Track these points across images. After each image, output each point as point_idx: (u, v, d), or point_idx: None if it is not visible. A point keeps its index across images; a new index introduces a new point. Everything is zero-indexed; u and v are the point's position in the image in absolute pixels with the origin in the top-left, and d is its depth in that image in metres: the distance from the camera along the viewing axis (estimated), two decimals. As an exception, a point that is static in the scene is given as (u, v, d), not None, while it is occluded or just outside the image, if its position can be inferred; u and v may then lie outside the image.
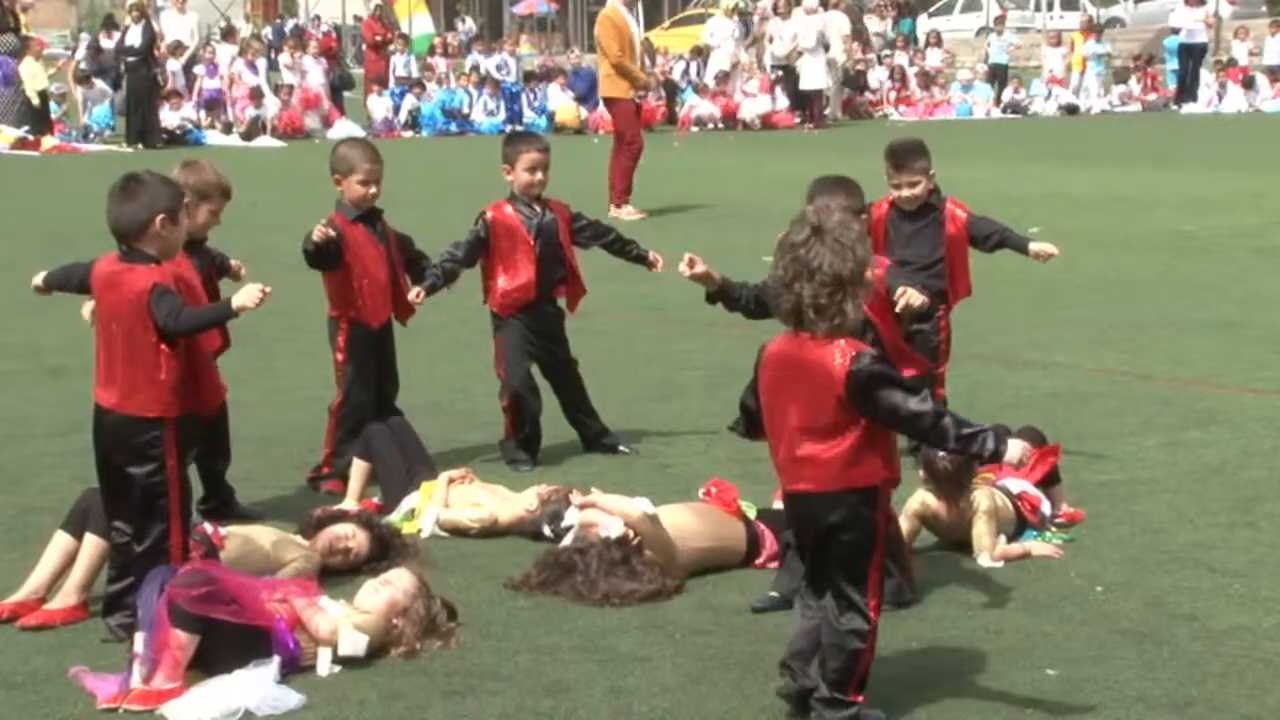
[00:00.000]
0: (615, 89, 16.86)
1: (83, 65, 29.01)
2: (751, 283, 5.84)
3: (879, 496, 4.58)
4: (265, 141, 26.98)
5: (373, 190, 7.22)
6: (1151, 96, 33.56)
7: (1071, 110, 32.75)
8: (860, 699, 4.63)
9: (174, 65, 28.05)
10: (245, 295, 5.42)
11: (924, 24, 40.21)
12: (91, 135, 26.74)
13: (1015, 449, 4.60)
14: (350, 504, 6.77)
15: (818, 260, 4.51)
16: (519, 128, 29.37)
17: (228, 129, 27.30)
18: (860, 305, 4.56)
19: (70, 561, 5.65)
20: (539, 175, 7.66)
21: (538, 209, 7.69)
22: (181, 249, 6.38)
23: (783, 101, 29.74)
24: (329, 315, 7.33)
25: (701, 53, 31.69)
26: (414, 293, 7.39)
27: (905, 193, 7.44)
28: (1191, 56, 33.28)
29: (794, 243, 4.56)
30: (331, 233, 7.02)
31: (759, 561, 6.13)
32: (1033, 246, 7.58)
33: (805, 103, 29.37)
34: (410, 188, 17.21)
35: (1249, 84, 32.47)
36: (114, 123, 27.35)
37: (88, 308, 5.81)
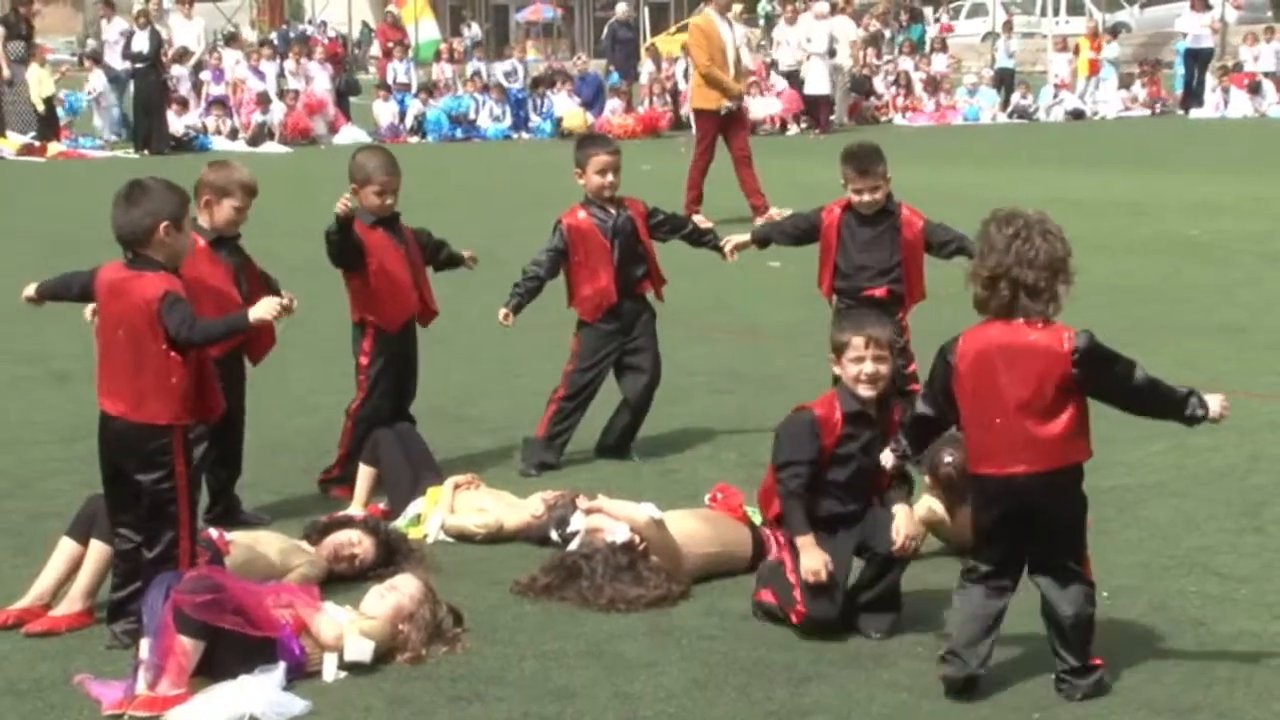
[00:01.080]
0: (705, 100, 16.37)
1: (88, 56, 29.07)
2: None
3: (1082, 472, 4.94)
4: (271, 147, 27.01)
5: (389, 201, 7.26)
6: (1156, 104, 33.54)
7: (1078, 115, 32.73)
8: (1099, 662, 4.95)
9: (180, 71, 28.10)
10: (264, 307, 5.42)
11: (933, 29, 40.18)
12: (101, 141, 26.78)
13: (1215, 404, 4.96)
14: (356, 510, 6.78)
15: (1032, 250, 4.81)
16: (525, 134, 29.51)
17: (234, 134, 27.34)
18: (1069, 290, 4.89)
19: (76, 568, 5.66)
20: (610, 177, 7.71)
21: (612, 210, 7.76)
22: (209, 245, 6.44)
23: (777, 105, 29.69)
24: (353, 321, 7.34)
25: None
26: (502, 314, 7.55)
27: (866, 198, 7.45)
28: (1197, 62, 33.27)
29: (1006, 236, 4.83)
30: (351, 204, 7.02)
31: (764, 567, 6.12)
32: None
33: (811, 109, 29.36)
34: (416, 193, 17.18)
35: (1255, 89, 32.43)
36: (120, 130, 27.37)
37: (89, 308, 5.81)
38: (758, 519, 6.28)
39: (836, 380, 5.60)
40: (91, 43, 31.34)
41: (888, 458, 5.31)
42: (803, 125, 29.57)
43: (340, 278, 7.34)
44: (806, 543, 5.36)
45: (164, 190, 5.40)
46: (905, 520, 5.41)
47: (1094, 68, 33.50)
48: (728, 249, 7.94)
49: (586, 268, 7.71)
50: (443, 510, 6.67)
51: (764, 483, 5.70)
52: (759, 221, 15.22)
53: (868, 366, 5.44)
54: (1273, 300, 12.00)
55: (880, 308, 7.30)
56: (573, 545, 6.15)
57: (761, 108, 29.77)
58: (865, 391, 5.44)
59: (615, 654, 5.31)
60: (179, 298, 5.27)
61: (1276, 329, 10.84)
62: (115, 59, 27.15)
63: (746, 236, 7.99)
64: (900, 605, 5.51)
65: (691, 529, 6.13)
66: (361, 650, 5.11)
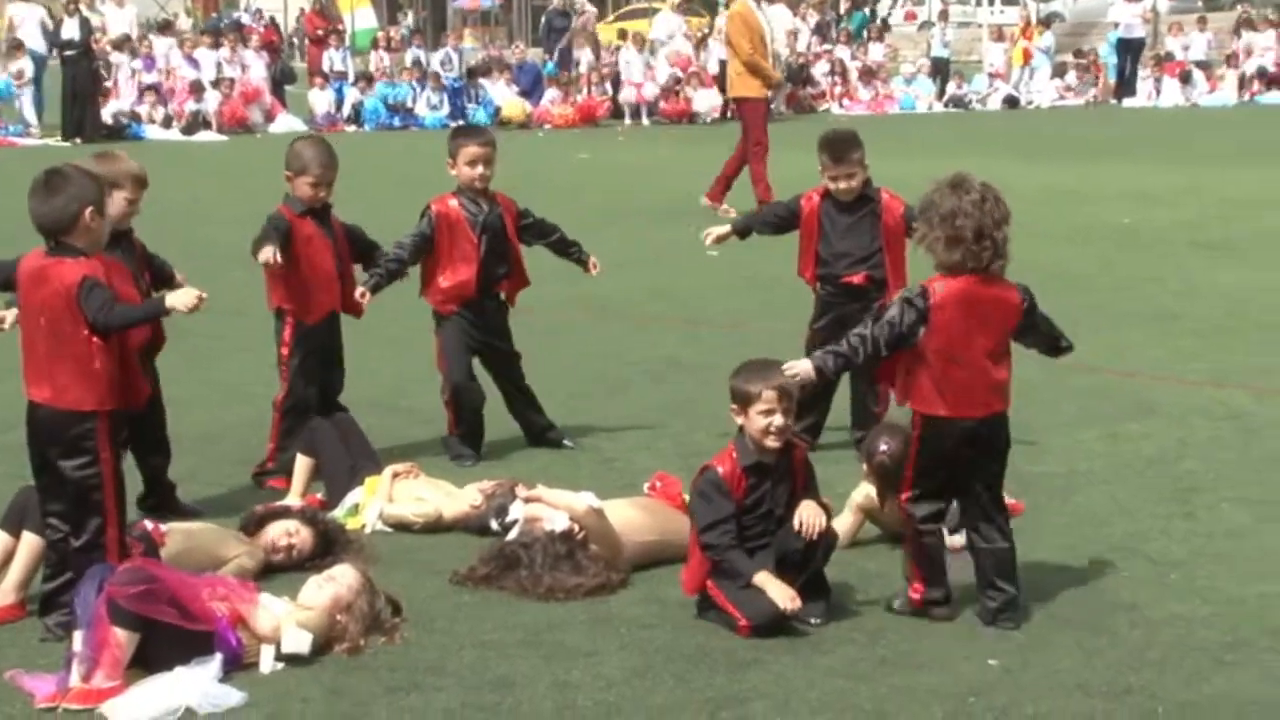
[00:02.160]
0: (747, 88, 16.18)
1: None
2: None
3: None
4: (206, 136, 26.77)
5: (323, 194, 7.20)
6: (1091, 92, 33.85)
7: (1013, 104, 32.97)
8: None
9: (119, 58, 27.77)
10: (181, 297, 5.38)
11: (898, 13, 40.29)
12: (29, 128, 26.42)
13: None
14: (294, 500, 6.74)
15: (1000, 211, 5.30)
16: (463, 122, 29.36)
17: (167, 123, 27.07)
18: None
19: (8, 560, 5.60)
20: (480, 169, 7.59)
21: (483, 204, 7.65)
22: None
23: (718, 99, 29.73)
24: (273, 308, 7.28)
25: (647, 45, 31.61)
26: (359, 292, 7.38)
27: (843, 185, 7.44)
28: (1129, 51, 33.58)
29: (973, 200, 5.25)
30: (277, 259, 6.93)
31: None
32: None
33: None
34: (352, 182, 17.09)
35: (1186, 79, 32.79)
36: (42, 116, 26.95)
37: (11, 313, 5.78)
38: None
39: (740, 431, 5.53)
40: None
41: (804, 365, 5.47)
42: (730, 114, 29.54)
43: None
44: (764, 579, 5.36)
45: (82, 176, 5.35)
46: (808, 511, 5.45)
47: (1027, 56, 33.76)
48: (709, 241, 7.90)
49: (449, 258, 7.58)
50: (381, 500, 6.65)
51: (689, 559, 5.60)
52: (732, 214, 15.20)
53: (777, 420, 5.43)
54: (1203, 288, 12.15)
55: (860, 295, 7.35)
56: (511, 534, 6.15)
57: (704, 100, 29.84)
58: (773, 444, 5.46)
59: (554, 643, 5.32)
60: (97, 282, 5.23)
61: (1205, 317, 10.98)
62: (36, 42, 26.73)
63: (727, 228, 7.90)
64: (829, 590, 5.54)
65: (630, 518, 6.15)
66: (299, 641, 5.09)
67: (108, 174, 6.39)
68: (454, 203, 7.64)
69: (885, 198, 7.49)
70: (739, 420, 5.53)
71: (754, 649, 5.25)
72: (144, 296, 6.18)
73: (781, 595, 5.30)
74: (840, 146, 7.44)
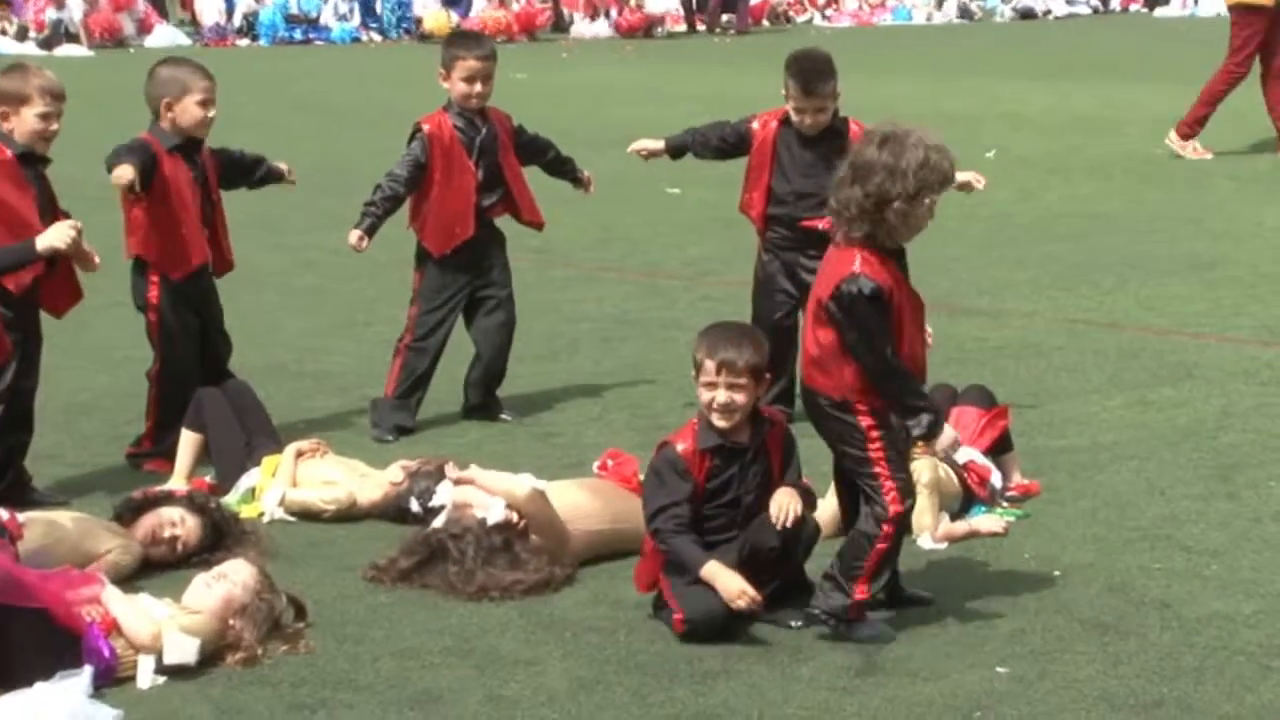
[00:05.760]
0: None
1: None
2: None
3: None
4: (70, 50, 26.57)
5: (213, 113, 7.18)
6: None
7: (1026, 15, 33.07)
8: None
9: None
10: (55, 234, 5.37)
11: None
12: None
13: (947, 437, 5.46)
14: (178, 483, 6.72)
15: (941, 170, 5.37)
16: (374, 36, 29.20)
17: (22, 34, 26.84)
18: None
19: None
20: (478, 86, 7.68)
21: (479, 124, 7.73)
22: (16, 160, 6.37)
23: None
24: (131, 258, 7.21)
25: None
26: (354, 237, 7.51)
27: (810, 120, 7.43)
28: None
29: (916, 160, 5.29)
30: (136, 183, 6.86)
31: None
32: (958, 176, 7.59)
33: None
34: (245, 108, 16.98)
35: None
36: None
37: None
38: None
39: None
40: None
41: None
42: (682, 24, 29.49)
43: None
44: (713, 570, 5.39)
45: None
46: (783, 497, 5.47)
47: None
48: (633, 149, 7.94)
49: (444, 187, 7.67)
50: (282, 483, 6.64)
51: (644, 550, 5.66)
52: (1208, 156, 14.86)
53: (720, 395, 5.47)
54: (1247, 230, 12.23)
55: (818, 241, 7.31)
56: (437, 522, 6.14)
57: (659, 2, 29.79)
58: (719, 422, 5.51)
59: (488, 650, 5.32)
60: None
61: (1251, 264, 11.05)
62: None
63: (659, 142, 7.95)
64: (812, 590, 5.56)
65: (577, 503, 6.15)
66: (184, 650, 5.08)
67: (10, 89, 6.43)
68: (446, 122, 7.69)
69: (855, 129, 7.48)
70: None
71: (723, 657, 5.27)
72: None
73: (730, 588, 5.32)
74: (812, 75, 7.42)
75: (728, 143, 7.75)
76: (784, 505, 5.46)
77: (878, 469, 5.36)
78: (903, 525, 5.44)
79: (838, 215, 5.40)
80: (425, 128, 7.71)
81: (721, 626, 5.36)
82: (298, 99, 20.14)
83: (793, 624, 5.47)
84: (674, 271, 10.97)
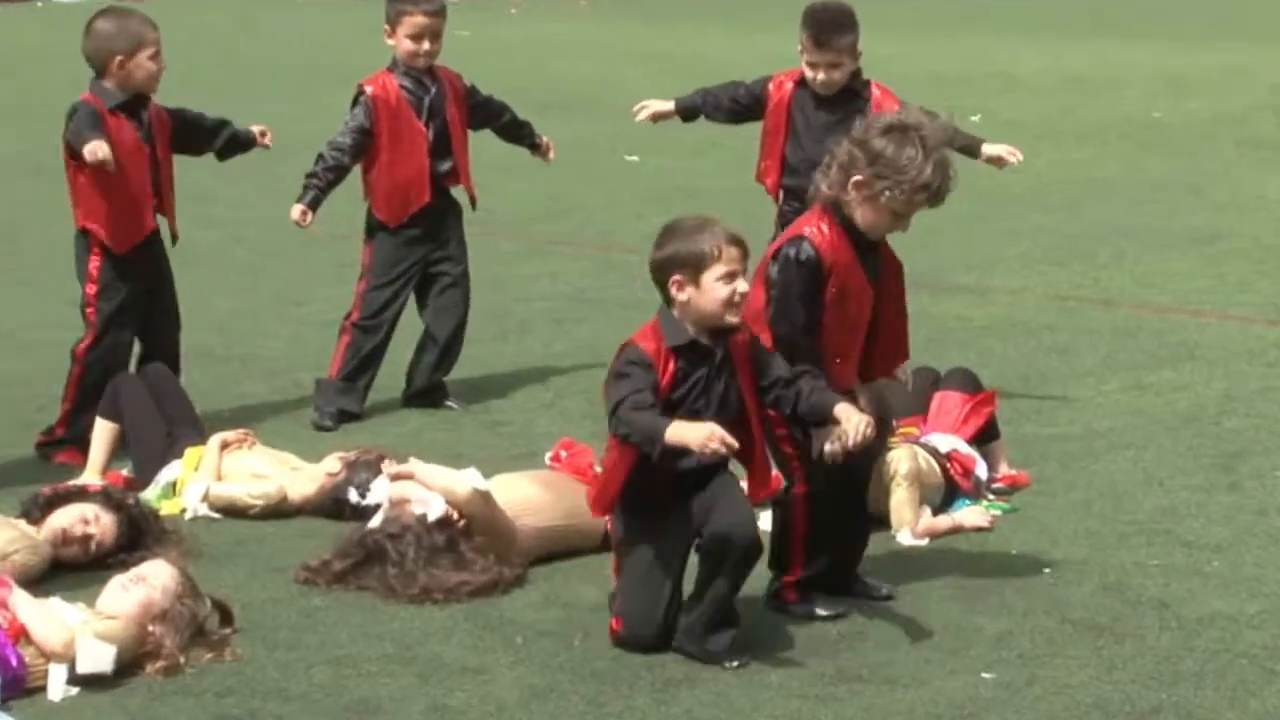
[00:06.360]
0: None
1: None
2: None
3: None
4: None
5: (164, 65, 7.21)
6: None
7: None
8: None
9: None
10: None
11: None
12: None
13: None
14: (91, 477, 6.70)
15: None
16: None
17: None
18: None
19: None
20: (426, 44, 7.71)
21: (428, 83, 7.76)
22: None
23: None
24: (76, 228, 7.21)
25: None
26: (297, 212, 7.52)
27: (823, 76, 7.37)
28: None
29: (917, 154, 5.40)
30: (109, 158, 6.87)
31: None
32: (986, 149, 7.58)
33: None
34: (169, 68, 16.81)
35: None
36: None
37: None
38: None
39: (669, 303, 5.38)
40: None
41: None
42: None
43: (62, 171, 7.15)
44: (677, 429, 5.16)
45: None
46: (850, 415, 5.30)
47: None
48: (643, 115, 7.84)
49: (392, 152, 7.68)
50: (206, 477, 6.62)
51: (603, 466, 5.63)
52: None
53: (740, 285, 5.36)
54: (1252, 199, 12.30)
55: None
56: (374, 522, 6.13)
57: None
58: (732, 319, 5.39)
59: (431, 657, 5.32)
60: None
61: (1256, 236, 11.12)
62: None
63: (669, 104, 7.81)
64: (738, 619, 5.39)
65: (528, 496, 6.15)
66: (99, 658, 5.07)
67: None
68: (391, 83, 7.70)
69: (877, 93, 7.44)
70: (680, 296, 5.33)
71: (686, 663, 5.28)
72: None
73: (699, 433, 5.11)
74: (826, 25, 7.33)
75: (741, 104, 7.67)
76: (856, 423, 5.30)
77: (785, 447, 5.59)
78: (814, 508, 5.62)
79: (822, 171, 5.50)
80: (368, 90, 7.72)
81: (661, 634, 5.32)
82: (226, 55, 20.08)
83: (729, 665, 5.29)
84: (632, 245, 10.95)
